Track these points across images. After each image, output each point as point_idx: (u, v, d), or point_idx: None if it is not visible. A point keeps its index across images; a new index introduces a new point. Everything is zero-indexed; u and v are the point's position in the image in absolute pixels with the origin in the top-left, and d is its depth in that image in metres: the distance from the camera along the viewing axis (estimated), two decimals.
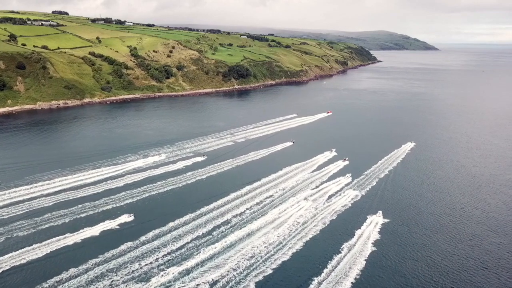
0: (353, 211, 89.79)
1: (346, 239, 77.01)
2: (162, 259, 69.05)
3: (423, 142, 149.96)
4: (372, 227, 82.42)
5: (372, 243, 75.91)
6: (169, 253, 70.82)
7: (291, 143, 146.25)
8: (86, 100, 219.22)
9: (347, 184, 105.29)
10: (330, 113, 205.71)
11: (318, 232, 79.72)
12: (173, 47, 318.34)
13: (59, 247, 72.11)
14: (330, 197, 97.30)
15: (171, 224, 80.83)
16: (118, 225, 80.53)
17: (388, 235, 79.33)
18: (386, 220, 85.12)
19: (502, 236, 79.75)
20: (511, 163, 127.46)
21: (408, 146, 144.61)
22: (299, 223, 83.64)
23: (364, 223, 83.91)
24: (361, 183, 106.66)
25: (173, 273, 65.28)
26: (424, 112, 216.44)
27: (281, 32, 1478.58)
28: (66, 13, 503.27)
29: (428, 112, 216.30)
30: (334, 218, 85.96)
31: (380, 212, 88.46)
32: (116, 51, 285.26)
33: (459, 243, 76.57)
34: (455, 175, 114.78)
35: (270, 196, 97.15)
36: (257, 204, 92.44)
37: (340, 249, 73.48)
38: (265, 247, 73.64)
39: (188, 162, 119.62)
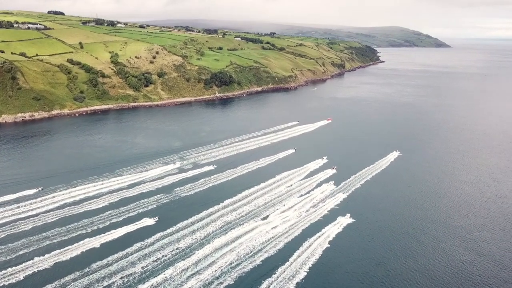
0: (327, 215, 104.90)
1: (311, 236, 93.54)
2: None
3: (391, 168, 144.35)
4: (336, 227, 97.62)
5: (330, 240, 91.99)
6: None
7: (294, 151, 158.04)
8: (55, 112, 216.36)
9: (330, 191, 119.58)
10: (330, 121, 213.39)
11: (293, 237, 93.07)
12: (157, 53, 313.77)
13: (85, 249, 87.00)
14: (312, 205, 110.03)
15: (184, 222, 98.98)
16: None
17: (349, 232, 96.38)
18: (352, 221, 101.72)
19: None
20: (460, 202, 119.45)
21: (392, 156, 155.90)
22: (279, 230, 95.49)
23: (330, 224, 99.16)
24: (342, 189, 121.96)
25: (190, 261, 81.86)
26: (402, 129, 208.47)
27: (290, 28, 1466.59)
28: (62, 13, 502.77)
29: (406, 130, 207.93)
30: (311, 223, 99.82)
31: (348, 214, 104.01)
32: (96, 58, 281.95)
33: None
34: (397, 217, 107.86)
35: (264, 201, 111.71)
36: (251, 208, 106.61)
37: (303, 245, 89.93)
38: (248, 251, 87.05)
39: (196, 172, 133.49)
